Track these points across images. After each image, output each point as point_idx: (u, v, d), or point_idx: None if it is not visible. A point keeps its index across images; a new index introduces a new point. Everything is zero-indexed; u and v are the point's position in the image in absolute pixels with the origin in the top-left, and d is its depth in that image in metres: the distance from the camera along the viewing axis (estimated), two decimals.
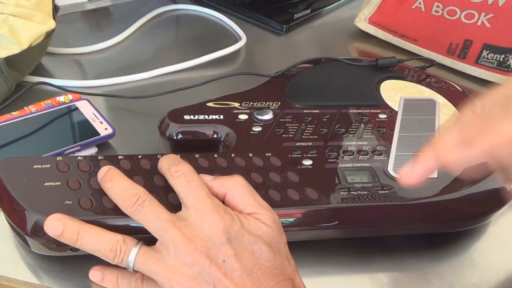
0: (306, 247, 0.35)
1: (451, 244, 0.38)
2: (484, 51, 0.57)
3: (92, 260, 0.30)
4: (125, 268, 0.28)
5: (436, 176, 0.36)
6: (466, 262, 0.37)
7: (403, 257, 0.36)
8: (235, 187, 0.30)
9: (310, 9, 0.72)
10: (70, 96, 0.44)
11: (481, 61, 0.58)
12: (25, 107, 0.42)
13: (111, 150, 0.42)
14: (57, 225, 0.28)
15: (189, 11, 0.69)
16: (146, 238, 0.29)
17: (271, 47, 0.64)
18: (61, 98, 0.44)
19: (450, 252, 0.37)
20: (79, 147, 0.40)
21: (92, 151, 0.41)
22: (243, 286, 0.26)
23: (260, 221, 0.28)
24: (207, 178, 0.30)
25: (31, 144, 0.40)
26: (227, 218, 0.27)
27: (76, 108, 0.43)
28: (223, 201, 0.30)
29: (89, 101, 0.44)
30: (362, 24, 0.66)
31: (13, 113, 0.41)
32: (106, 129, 0.42)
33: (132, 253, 0.28)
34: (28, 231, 0.29)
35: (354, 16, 0.67)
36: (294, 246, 0.31)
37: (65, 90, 0.46)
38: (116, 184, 0.29)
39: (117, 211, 0.29)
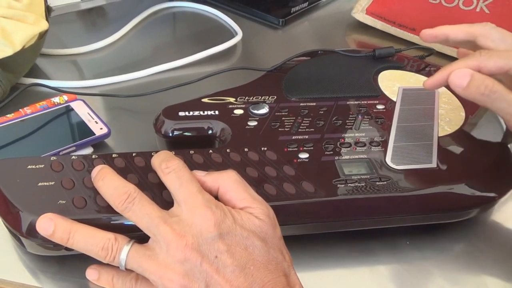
0: (304, 241, 0.35)
1: (453, 234, 0.37)
2: None
3: (89, 259, 0.29)
4: None
5: (435, 165, 0.36)
6: (469, 252, 0.36)
7: (404, 249, 0.36)
8: (228, 182, 0.29)
9: (307, 2, 0.71)
10: (65, 97, 0.44)
11: None
12: (20, 109, 0.42)
13: (107, 149, 0.42)
14: (48, 225, 0.27)
15: (185, 8, 0.68)
16: (140, 236, 0.28)
17: (268, 42, 0.64)
18: (56, 99, 0.44)
19: (452, 242, 0.37)
20: (74, 148, 0.40)
21: (88, 151, 0.41)
22: (236, 282, 0.25)
23: (253, 215, 0.28)
24: (200, 173, 0.30)
25: (27, 146, 0.40)
26: (219, 213, 0.27)
27: (72, 109, 0.43)
28: (216, 197, 0.29)
29: (84, 101, 0.44)
30: (360, 15, 0.65)
31: (8, 115, 0.41)
32: (101, 129, 0.41)
33: (124, 251, 0.27)
34: (23, 232, 0.29)
35: (351, 8, 0.66)
36: (292, 240, 0.31)
37: (60, 91, 0.46)
38: (107, 183, 0.29)
39: (110, 210, 0.29)
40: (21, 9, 0.44)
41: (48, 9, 0.49)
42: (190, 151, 0.34)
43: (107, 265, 0.29)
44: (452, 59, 0.59)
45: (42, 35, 0.48)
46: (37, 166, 0.31)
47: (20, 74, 0.47)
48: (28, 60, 0.48)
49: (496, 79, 0.34)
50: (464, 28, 0.40)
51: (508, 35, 0.38)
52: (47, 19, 0.48)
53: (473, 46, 0.40)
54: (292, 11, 0.68)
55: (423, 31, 0.41)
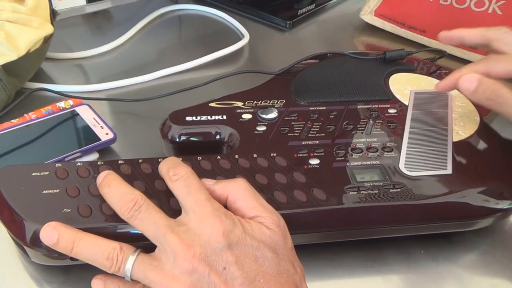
0: (316, 250, 0.34)
1: (468, 243, 0.36)
2: None
3: (95, 269, 0.28)
4: None
5: (450, 172, 0.35)
6: (485, 261, 0.35)
7: (418, 258, 0.35)
8: (237, 190, 0.28)
9: (314, 4, 0.70)
10: (70, 102, 0.43)
11: None
12: (25, 114, 0.41)
13: (113, 155, 0.42)
14: (52, 234, 0.27)
15: (191, 10, 0.68)
16: (146, 246, 0.27)
17: (275, 44, 0.63)
18: (61, 104, 0.43)
19: (468, 251, 0.36)
20: (79, 154, 0.39)
21: (94, 156, 0.40)
22: None
23: (263, 224, 0.27)
24: (209, 182, 0.29)
25: (32, 151, 0.39)
26: (228, 223, 0.26)
27: (77, 114, 0.43)
28: (225, 206, 0.28)
29: (89, 106, 0.43)
30: (368, 17, 0.64)
31: (13, 120, 0.41)
32: (107, 134, 0.41)
33: (129, 261, 0.26)
34: (27, 242, 0.28)
35: (359, 10, 0.66)
36: (303, 249, 0.30)
37: (65, 95, 0.45)
38: (113, 190, 0.28)
39: (116, 218, 0.28)
40: (25, 13, 0.44)
41: (53, 13, 0.48)
42: (198, 157, 0.33)
43: (113, 275, 0.28)
44: (463, 61, 0.58)
45: (47, 39, 0.47)
46: (42, 173, 0.31)
47: (25, 79, 0.47)
48: (33, 65, 0.47)
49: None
50: (480, 32, 0.40)
51: None
52: (52, 23, 0.47)
53: (488, 49, 0.40)
54: (299, 13, 0.67)
55: (440, 32, 0.42)
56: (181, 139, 0.38)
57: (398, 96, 0.43)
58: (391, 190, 0.33)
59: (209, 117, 0.39)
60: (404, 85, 0.45)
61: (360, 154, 0.36)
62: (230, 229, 0.26)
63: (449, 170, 0.35)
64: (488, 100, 0.35)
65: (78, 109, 0.43)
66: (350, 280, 0.33)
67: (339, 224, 0.32)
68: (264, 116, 0.39)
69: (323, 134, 0.38)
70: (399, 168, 0.35)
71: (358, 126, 0.39)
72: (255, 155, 0.34)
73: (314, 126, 0.39)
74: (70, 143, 0.40)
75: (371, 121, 0.40)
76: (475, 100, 0.36)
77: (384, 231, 0.34)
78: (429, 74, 0.47)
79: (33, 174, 0.31)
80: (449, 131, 0.39)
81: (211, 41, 0.61)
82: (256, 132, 0.38)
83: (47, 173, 0.31)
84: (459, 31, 0.42)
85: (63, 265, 0.31)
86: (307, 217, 0.31)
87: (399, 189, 0.33)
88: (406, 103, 0.42)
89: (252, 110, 0.40)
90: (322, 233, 0.33)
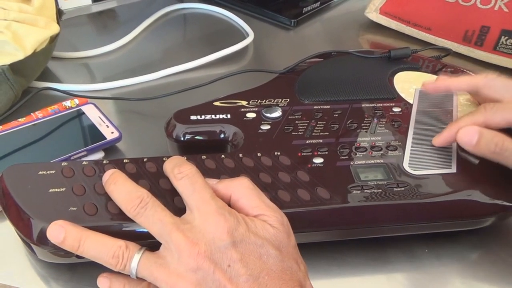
0: (320, 249, 0.34)
1: (473, 241, 0.36)
2: (503, 37, 0.54)
3: (101, 267, 0.29)
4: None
5: (455, 170, 0.35)
6: (489, 260, 0.35)
7: (422, 257, 0.35)
8: (240, 189, 0.29)
9: (319, 2, 0.70)
10: (76, 101, 0.44)
11: (499, 47, 0.55)
12: (31, 113, 0.42)
13: (119, 153, 0.42)
14: (59, 232, 0.27)
15: (196, 9, 0.68)
16: (151, 244, 0.28)
17: (279, 43, 0.63)
18: (67, 103, 0.43)
19: (472, 250, 0.36)
20: (85, 152, 0.39)
21: (99, 155, 0.40)
22: None
23: (267, 222, 0.27)
24: (212, 181, 0.29)
25: (38, 150, 0.39)
26: (232, 221, 0.26)
27: (83, 113, 0.43)
28: (229, 204, 0.29)
29: (95, 105, 0.44)
30: (373, 15, 0.64)
31: (19, 119, 0.41)
32: (112, 133, 0.41)
33: (135, 259, 0.27)
34: (34, 239, 0.29)
35: (364, 7, 0.65)
36: (307, 248, 0.30)
37: (71, 94, 0.45)
38: (120, 187, 0.28)
39: (122, 217, 0.29)
40: (32, 12, 0.44)
41: (59, 12, 0.49)
42: (202, 156, 0.34)
43: (119, 273, 0.28)
44: (468, 59, 0.58)
45: (54, 39, 0.48)
46: (48, 172, 0.31)
47: (32, 78, 0.47)
48: (39, 64, 0.47)
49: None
50: (466, 81, 0.39)
51: (511, 84, 0.37)
52: (58, 23, 0.47)
53: (477, 96, 0.39)
54: (303, 11, 0.67)
55: (425, 83, 0.41)
56: (186, 138, 0.38)
57: (402, 95, 0.43)
58: (395, 189, 0.33)
59: (213, 116, 0.39)
60: (409, 84, 0.45)
61: (364, 153, 0.36)
62: (234, 227, 0.26)
63: (453, 169, 0.35)
64: (493, 153, 0.33)
65: (83, 108, 0.43)
66: (354, 278, 0.33)
67: (343, 223, 0.32)
68: (268, 115, 0.39)
69: (327, 133, 0.38)
70: (403, 167, 0.35)
71: (362, 124, 0.39)
72: (259, 154, 0.35)
73: (318, 125, 0.39)
74: (76, 142, 0.40)
75: (375, 119, 0.40)
76: (478, 153, 0.34)
77: (388, 230, 0.34)
78: (435, 72, 0.47)
79: (40, 172, 0.31)
80: None
81: (216, 39, 0.61)
82: (260, 131, 0.38)
83: (53, 171, 0.31)
84: (444, 80, 0.40)
85: (69, 262, 0.31)
86: (311, 215, 0.32)
87: (403, 188, 0.33)
88: (411, 101, 0.42)
89: (256, 109, 0.40)
90: (326, 232, 0.33)
